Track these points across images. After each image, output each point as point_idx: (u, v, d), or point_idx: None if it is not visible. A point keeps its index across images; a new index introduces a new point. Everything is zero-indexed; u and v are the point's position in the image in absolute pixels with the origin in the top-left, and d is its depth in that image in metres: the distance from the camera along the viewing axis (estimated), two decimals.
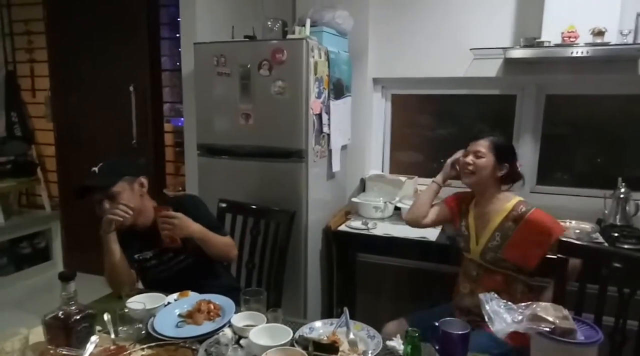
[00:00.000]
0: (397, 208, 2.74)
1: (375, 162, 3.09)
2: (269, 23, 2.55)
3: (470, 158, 1.81)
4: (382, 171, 3.11)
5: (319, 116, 2.40)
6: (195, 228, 1.75)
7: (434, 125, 3.09)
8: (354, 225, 2.60)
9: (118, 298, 1.62)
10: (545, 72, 2.55)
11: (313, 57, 2.28)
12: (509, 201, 1.79)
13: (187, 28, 2.62)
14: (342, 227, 2.61)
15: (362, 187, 2.97)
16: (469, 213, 1.90)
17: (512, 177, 1.83)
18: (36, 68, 3.96)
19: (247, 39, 2.43)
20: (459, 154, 1.92)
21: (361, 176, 2.98)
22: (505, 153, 1.80)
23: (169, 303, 1.60)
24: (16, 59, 4.01)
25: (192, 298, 1.63)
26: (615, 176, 2.47)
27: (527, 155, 2.76)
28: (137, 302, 1.51)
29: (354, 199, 2.79)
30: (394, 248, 2.46)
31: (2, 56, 3.98)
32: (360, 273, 2.60)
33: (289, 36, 2.36)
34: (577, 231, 2.37)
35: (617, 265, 1.58)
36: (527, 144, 2.76)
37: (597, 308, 1.63)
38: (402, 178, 2.80)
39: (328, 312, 2.69)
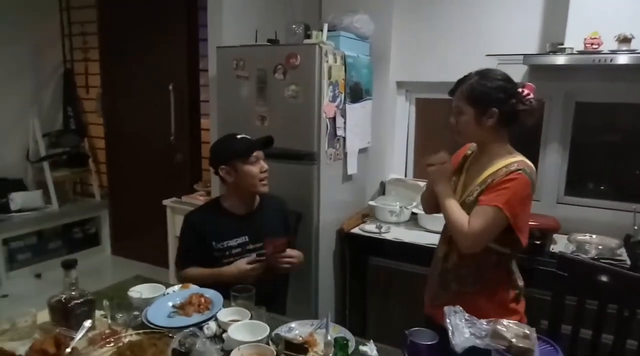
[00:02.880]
0: (414, 214, 2.73)
1: (398, 166, 3.08)
2: (293, 27, 2.62)
3: (452, 118, 1.59)
4: (405, 175, 3.10)
5: (333, 119, 2.44)
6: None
7: None
8: (368, 228, 2.62)
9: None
10: (573, 78, 2.44)
11: (327, 61, 2.32)
12: (507, 158, 1.52)
13: (214, 32, 2.74)
14: (356, 230, 2.63)
15: (382, 190, 2.98)
16: (464, 169, 1.67)
17: (509, 118, 1.52)
18: (90, 66, 4.28)
19: (267, 44, 2.50)
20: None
21: (381, 179, 2.98)
22: (485, 98, 1.49)
23: (167, 293, 1.72)
24: (73, 57, 4.34)
25: (190, 290, 1.74)
26: None
27: (555, 164, 2.65)
28: (136, 291, 1.65)
29: (370, 202, 2.80)
30: (404, 253, 2.45)
31: (61, 55, 4.32)
32: (373, 277, 2.61)
33: (305, 41, 2.41)
34: (600, 247, 2.26)
35: (604, 280, 1.51)
36: (555, 153, 2.65)
37: (595, 323, 1.58)
38: (422, 183, 2.78)
39: (341, 316, 2.72)
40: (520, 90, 1.52)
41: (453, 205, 1.54)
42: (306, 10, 3.10)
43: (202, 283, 1.83)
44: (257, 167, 1.91)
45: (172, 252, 3.22)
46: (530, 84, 1.54)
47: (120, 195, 4.30)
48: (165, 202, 3.20)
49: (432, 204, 1.72)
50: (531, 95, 1.51)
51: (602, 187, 2.73)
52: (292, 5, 3.15)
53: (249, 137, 1.96)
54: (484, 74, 1.53)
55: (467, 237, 1.48)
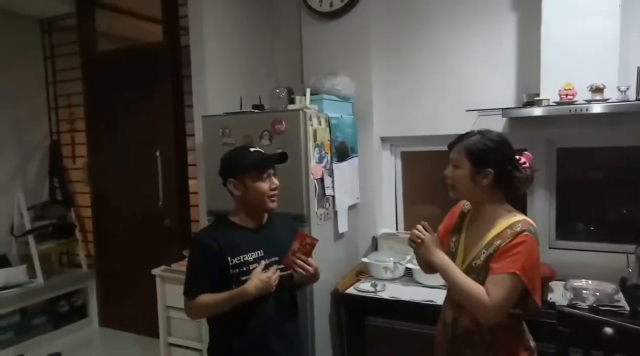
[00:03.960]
0: (408, 268, 2.69)
1: (388, 220, 3.08)
2: (277, 91, 2.69)
3: (447, 170, 1.60)
4: (396, 228, 3.10)
5: (321, 180, 2.46)
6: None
7: None
8: (363, 287, 2.58)
9: None
10: (552, 126, 2.51)
11: (312, 125, 2.37)
12: (511, 217, 1.51)
13: (199, 100, 2.79)
14: (351, 289, 2.59)
15: (375, 245, 2.96)
16: (463, 228, 1.66)
17: (504, 182, 1.54)
18: (76, 136, 4.30)
19: (251, 111, 2.55)
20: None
21: (373, 234, 2.97)
22: (483, 157, 1.51)
23: None
24: (60, 129, 4.37)
25: None
26: None
27: (543, 210, 2.68)
28: None
29: (363, 259, 2.77)
30: (402, 311, 2.41)
31: (48, 127, 4.35)
32: (371, 337, 2.54)
33: (289, 106, 2.47)
34: (597, 293, 2.24)
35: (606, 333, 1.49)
36: (542, 199, 2.68)
37: None
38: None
39: None
40: (517, 157, 1.55)
41: (462, 277, 1.50)
42: (288, 73, 3.20)
43: (218, 310, 1.74)
44: (268, 183, 1.80)
45: (162, 322, 3.12)
46: (527, 153, 1.58)
47: (108, 263, 4.19)
48: (155, 271, 3.13)
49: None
50: (527, 164, 1.55)
51: (591, 228, 2.75)
52: (276, 69, 3.25)
53: (262, 151, 1.86)
54: (485, 134, 1.56)
55: (490, 310, 1.44)
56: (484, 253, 1.51)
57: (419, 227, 1.63)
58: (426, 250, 1.59)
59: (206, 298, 1.75)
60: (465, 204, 1.72)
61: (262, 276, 1.72)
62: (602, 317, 1.62)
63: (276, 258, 1.82)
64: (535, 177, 2.41)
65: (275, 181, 1.84)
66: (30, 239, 3.95)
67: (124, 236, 4.02)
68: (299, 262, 1.77)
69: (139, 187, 3.87)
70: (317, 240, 1.80)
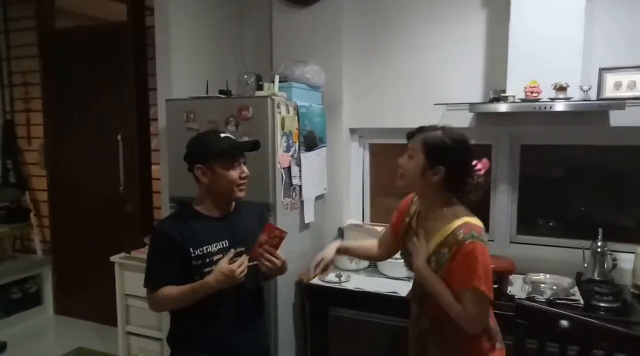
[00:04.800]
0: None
1: (355, 211, 3.08)
2: (245, 77, 2.62)
3: (401, 159, 1.57)
4: (362, 219, 3.10)
5: (288, 169, 2.42)
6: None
7: None
8: (327, 278, 2.56)
9: None
10: (517, 123, 2.54)
11: (280, 113, 2.32)
12: (453, 220, 1.48)
13: (163, 83, 2.69)
14: (315, 280, 2.57)
15: (341, 236, 2.95)
16: (413, 230, 1.63)
17: (453, 184, 1.52)
18: (32, 117, 4.10)
19: (218, 96, 2.47)
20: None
21: (339, 225, 2.96)
22: (439, 154, 1.48)
23: None
24: (14, 108, 4.15)
25: None
26: (599, 225, 2.41)
27: (505, 204, 2.73)
28: None
29: None
30: (365, 302, 2.41)
31: (1, 106, 4.12)
32: (335, 328, 2.53)
33: (257, 93, 2.41)
34: (555, 287, 2.30)
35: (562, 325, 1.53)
36: (505, 194, 2.73)
37: None
38: (379, 227, 2.78)
39: None
40: (474, 162, 1.53)
41: (447, 296, 1.48)
42: (258, 60, 3.12)
43: (181, 303, 1.67)
44: (237, 171, 1.72)
45: (121, 310, 3.03)
46: (486, 159, 1.55)
47: (65, 250, 4.04)
48: (113, 258, 3.02)
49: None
50: (482, 171, 1.53)
51: (551, 223, 2.82)
52: (244, 55, 3.17)
53: (233, 137, 1.78)
54: (447, 131, 1.53)
55: (471, 324, 1.47)
56: (433, 259, 1.51)
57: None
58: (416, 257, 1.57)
59: (168, 290, 1.67)
60: (413, 200, 1.70)
61: (224, 269, 1.63)
62: (557, 310, 1.66)
63: (242, 249, 1.76)
64: (500, 170, 2.47)
65: (246, 170, 1.77)
66: None
67: (83, 221, 3.88)
68: (267, 255, 1.71)
69: (99, 172, 3.74)
70: (286, 233, 1.73)
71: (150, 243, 1.78)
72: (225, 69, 2.99)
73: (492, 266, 1.49)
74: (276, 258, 1.73)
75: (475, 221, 1.49)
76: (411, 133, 1.57)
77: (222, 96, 2.47)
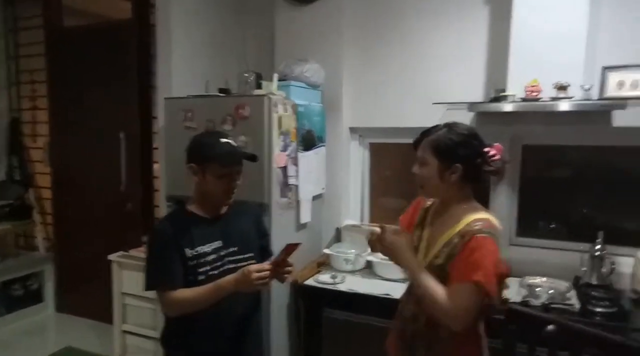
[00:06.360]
0: (369, 261, 2.67)
1: (354, 211, 3.06)
2: (245, 75, 2.62)
3: (415, 168, 1.54)
4: (361, 219, 3.08)
5: (284, 169, 2.41)
6: None
7: None
8: (322, 278, 2.55)
9: None
10: (518, 122, 2.52)
11: (277, 112, 2.32)
12: (470, 214, 1.46)
13: (164, 81, 2.71)
14: (310, 281, 2.56)
15: (338, 236, 2.94)
16: (426, 223, 1.60)
17: (473, 176, 1.50)
18: (38, 115, 4.13)
19: (216, 95, 2.48)
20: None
21: (337, 225, 2.94)
22: (450, 152, 1.46)
23: None
24: (21, 106, 4.19)
25: None
26: (601, 228, 2.37)
27: (506, 206, 2.70)
28: None
29: (325, 250, 2.75)
30: (359, 304, 2.39)
31: (8, 104, 4.17)
32: (328, 330, 2.51)
33: (255, 91, 2.41)
34: (551, 291, 2.27)
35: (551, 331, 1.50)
36: (505, 195, 2.69)
37: None
38: (377, 229, 2.75)
39: None
40: (487, 149, 1.50)
41: (430, 283, 1.44)
42: (260, 58, 3.12)
43: (203, 303, 1.63)
44: (227, 181, 1.71)
45: (117, 309, 3.04)
46: (498, 144, 1.52)
47: (67, 247, 4.06)
48: (111, 256, 3.03)
49: None
50: (497, 156, 1.50)
51: (552, 225, 2.78)
52: (246, 53, 3.18)
53: (234, 145, 1.75)
54: (451, 127, 1.50)
55: (456, 320, 1.40)
56: (444, 251, 1.47)
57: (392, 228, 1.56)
58: (397, 254, 1.53)
59: (186, 293, 1.64)
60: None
61: (245, 269, 1.60)
62: (546, 315, 1.63)
63: (235, 249, 1.76)
64: (507, 163, 2.43)
65: (237, 182, 1.74)
66: None
67: (85, 220, 3.90)
68: (286, 269, 1.70)
69: (101, 170, 3.76)
70: (301, 243, 1.72)
71: (151, 245, 1.76)
72: (229, 68, 2.99)
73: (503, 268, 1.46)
74: (289, 266, 1.72)
75: (493, 219, 1.47)
76: (417, 141, 1.56)
77: (221, 95, 2.48)
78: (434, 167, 1.49)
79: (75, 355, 3.35)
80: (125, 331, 3.04)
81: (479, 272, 1.36)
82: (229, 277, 1.63)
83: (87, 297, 3.93)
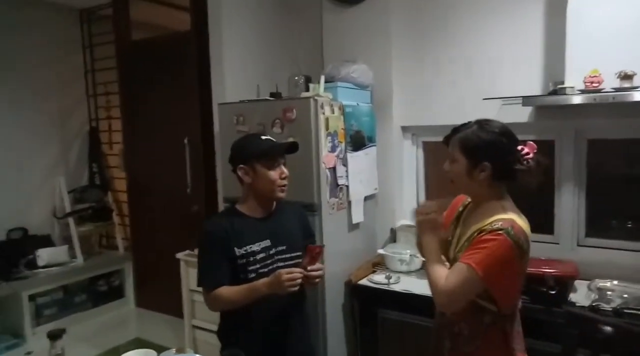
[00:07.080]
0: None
1: (408, 211, 3.00)
2: (295, 78, 2.67)
3: (445, 165, 1.52)
4: None
5: (334, 169, 2.42)
6: None
7: None
8: (377, 279, 2.54)
9: None
10: (580, 116, 2.34)
11: (324, 113, 2.33)
12: (497, 214, 1.42)
13: (217, 87, 2.82)
14: (364, 281, 2.56)
15: (393, 237, 2.90)
16: (461, 220, 1.59)
17: (504, 175, 1.45)
18: (113, 124, 4.47)
19: (266, 99, 2.54)
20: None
21: (391, 226, 2.91)
22: (478, 151, 1.43)
23: None
24: (98, 116, 4.56)
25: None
26: None
27: (571, 204, 2.53)
28: None
29: (379, 251, 2.73)
30: (413, 305, 2.35)
31: (87, 114, 4.55)
32: (383, 330, 2.51)
33: (303, 94, 2.44)
34: (625, 295, 2.09)
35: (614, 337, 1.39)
36: (570, 193, 2.52)
37: None
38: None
39: None
40: (520, 148, 1.45)
41: (434, 260, 1.46)
42: (311, 61, 3.15)
43: (238, 303, 1.71)
44: (277, 172, 1.76)
45: (187, 305, 3.21)
46: (532, 142, 1.46)
47: (142, 247, 4.36)
48: (179, 255, 3.22)
49: None
50: (530, 155, 1.44)
51: (628, 225, 2.56)
52: (298, 57, 3.22)
53: (273, 139, 1.83)
54: (481, 125, 1.47)
55: (440, 294, 1.40)
56: (464, 246, 1.45)
57: (434, 203, 1.56)
58: (427, 225, 1.51)
59: (226, 290, 1.71)
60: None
61: (276, 272, 1.64)
62: (610, 319, 1.51)
63: (283, 247, 1.80)
64: (564, 168, 2.26)
65: (285, 170, 1.80)
66: (71, 221, 4.17)
67: (157, 221, 4.16)
68: (313, 274, 1.71)
69: (169, 174, 3.98)
70: (324, 245, 1.75)
71: (201, 244, 1.83)
72: (279, 72, 3.05)
73: (517, 273, 1.42)
74: (319, 269, 1.74)
75: (520, 222, 1.41)
76: (447, 137, 1.53)
77: (271, 99, 2.54)
78: (462, 165, 1.46)
79: (142, 345, 3.60)
80: (195, 326, 3.21)
81: (476, 256, 1.35)
82: (264, 279, 1.68)
83: (162, 293, 4.19)
